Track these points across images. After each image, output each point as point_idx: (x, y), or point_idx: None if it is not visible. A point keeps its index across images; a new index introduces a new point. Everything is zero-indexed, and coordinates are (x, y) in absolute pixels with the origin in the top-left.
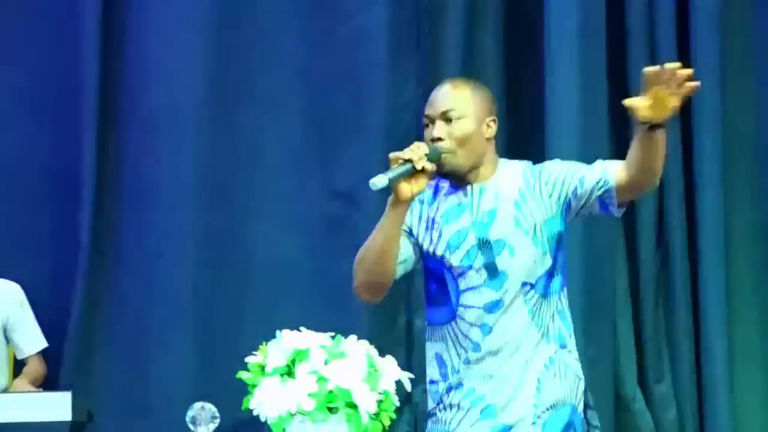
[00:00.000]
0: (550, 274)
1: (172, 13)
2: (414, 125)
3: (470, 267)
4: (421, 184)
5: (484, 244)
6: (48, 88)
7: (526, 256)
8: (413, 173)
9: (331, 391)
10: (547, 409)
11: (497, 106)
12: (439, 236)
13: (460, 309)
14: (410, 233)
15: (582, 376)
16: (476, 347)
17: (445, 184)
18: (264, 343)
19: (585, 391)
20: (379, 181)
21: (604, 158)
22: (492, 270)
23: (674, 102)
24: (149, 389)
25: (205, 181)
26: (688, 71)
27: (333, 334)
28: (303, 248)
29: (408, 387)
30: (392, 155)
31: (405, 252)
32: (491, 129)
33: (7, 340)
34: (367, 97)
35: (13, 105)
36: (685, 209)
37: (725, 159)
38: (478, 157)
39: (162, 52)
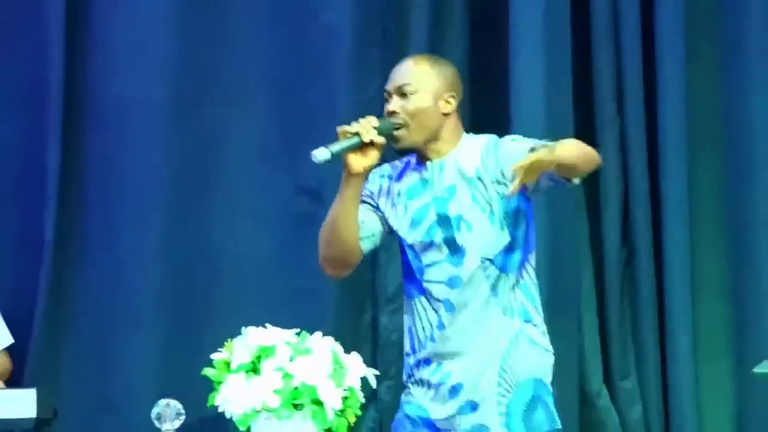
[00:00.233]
0: (508, 250)
1: (138, 8)
2: None
3: (432, 242)
4: (372, 157)
5: (444, 220)
6: (12, 82)
7: (483, 232)
8: (361, 146)
9: (296, 388)
10: (513, 387)
11: (461, 82)
12: (405, 212)
13: (425, 284)
14: (377, 208)
15: (550, 349)
16: (440, 323)
17: (413, 160)
18: (229, 339)
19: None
20: (320, 154)
21: None
22: (452, 245)
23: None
24: (114, 386)
25: (172, 176)
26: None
27: (298, 330)
28: (269, 244)
29: (373, 384)
30: (340, 129)
31: (371, 227)
32: (450, 105)
33: None
34: (333, 93)
35: None
36: (650, 205)
37: (690, 154)
38: (432, 132)
39: (128, 46)
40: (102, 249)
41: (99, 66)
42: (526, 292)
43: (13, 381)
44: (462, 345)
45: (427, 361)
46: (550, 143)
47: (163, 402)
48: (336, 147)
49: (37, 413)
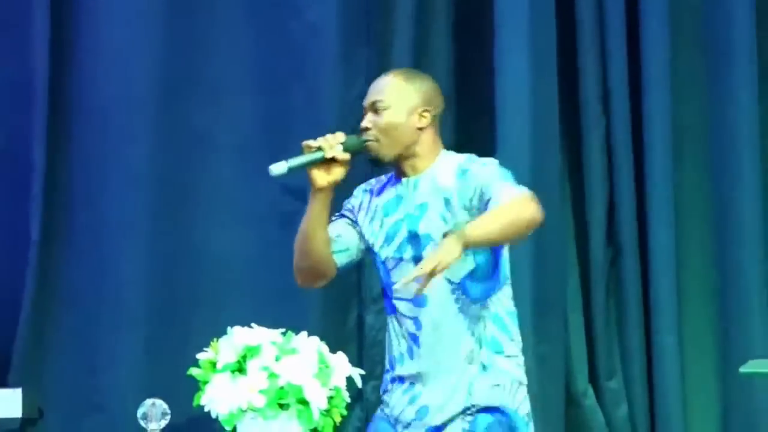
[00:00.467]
0: (474, 277)
1: (123, 8)
2: None
3: (401, 259)
4: (336, 173)
5: (414, 237)
6: None
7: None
8: (324, 162)
9: (282, 388)
10: (478, 412)
11: (441, 96)
12: (380, 227)
13: (395, 301)
14: (355, 222)
15: (524, 382)
16: (410, 344)
17: (394, 176)
18: (215, 339)
19: (527, 399)
20: (276, 168)
21: (554, 154)
22: (419, 263)
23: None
24: (100, 385)
25: (157, 176)
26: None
27: (284, 330)
28: (254, 244)
29: (359, 383)
30: (305, 143)
31: (347, 241)
32: (424, 119)
33: None
34: (318, 93)
35: None
36: (635, 205)
37: (675, 154)
38: (405, 148)
39: (113, 46)
40: (88, 248)
41: (84, 66)
42: (498, 323)
43: None
44: (431, 367)
45: (400, 380)
46: (466, 225)
47: (149, 402)
48: (295, 162)
49: (23, 413)
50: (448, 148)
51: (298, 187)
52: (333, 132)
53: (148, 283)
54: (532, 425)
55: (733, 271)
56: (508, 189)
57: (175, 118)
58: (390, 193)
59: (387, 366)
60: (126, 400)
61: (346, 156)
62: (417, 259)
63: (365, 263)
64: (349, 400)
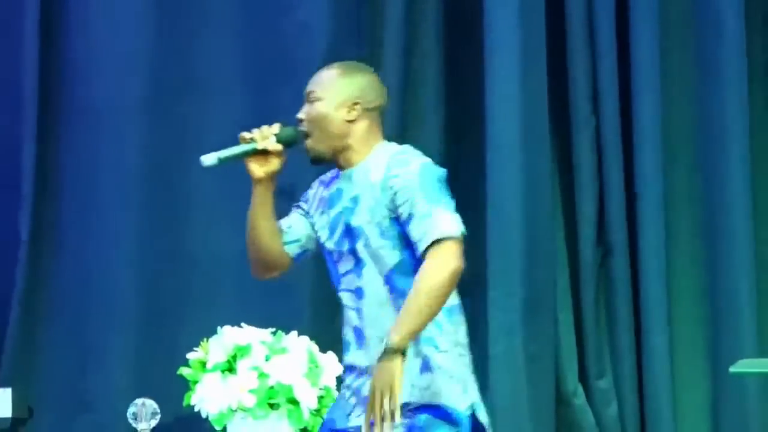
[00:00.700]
0: (401, 270)
1: (112, 8)
2: None
3: (341, 252)
4: (273, 164)
5: (349, 230)
6: None
7: (376, 247)
8: (260, 153)
9: (272, 387)
10: (411, 411)
11: (380, 91)
12: (327, 219)
13: (341, 292)
14: (307, 213)
15: (457, 376)
16: (356, 335)
17: None
18: (205, 339)
19: (467, 392)
20: (207, 159)
21: (544, 154)
22: (355, 256)
23: None
24: (90, 385)
25: (146, 175)
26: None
27: (274, 329)
28: (244, 244)
29: None
30: (241, 134)
31: (297, 232)
32: (353, 112)
33: None
34: None
35: None
36: (625, 204)
37: (665, 154)
38: (335, 141)
39: (103, 46)
40: (77, 248)
41: (74, 66)
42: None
43: None
44: (372, 360)
45: (350, 368)
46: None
47: (139, 401)
48: (226, 153)
49: (13, 412)
50: (439, 147)
51: (287, 187)
52: None
53: (138, 283)
54: (482, 415)
55: (723, 271)
56: (427, 226)
57: (165, 118)
58: (335, 185)
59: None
60: (116, 399)
61: (279, 147)
62: (352, 252)
63: None
64: None
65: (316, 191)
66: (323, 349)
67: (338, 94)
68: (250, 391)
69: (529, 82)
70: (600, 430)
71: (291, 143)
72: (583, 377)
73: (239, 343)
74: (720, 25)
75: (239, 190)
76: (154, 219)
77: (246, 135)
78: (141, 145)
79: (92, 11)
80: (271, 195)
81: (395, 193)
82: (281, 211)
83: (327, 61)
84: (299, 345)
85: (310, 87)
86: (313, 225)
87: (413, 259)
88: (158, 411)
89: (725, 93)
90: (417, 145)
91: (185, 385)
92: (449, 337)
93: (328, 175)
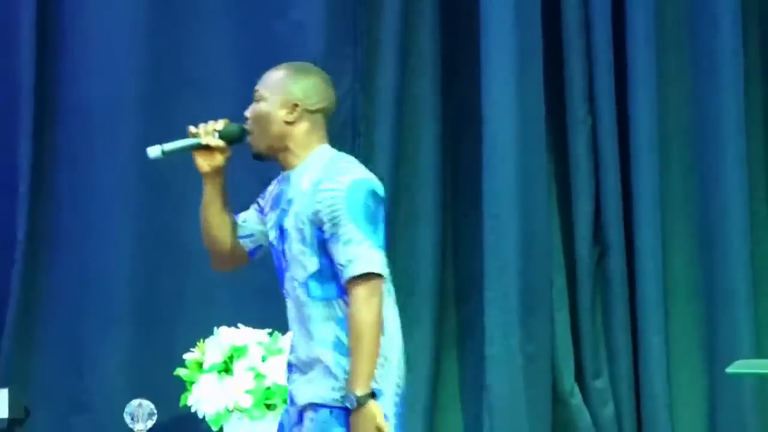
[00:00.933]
0: (319, 277)
1: (108, 8)
2: (350, 119)
3: (278, 251)
4: (216, 159)
5: (282, 232)
6: None
7: (297, 252)
8: (205, 148)
9: (268, 388)
10: (302, 410)
11: (326, 94)
12: (273, 218)
13: (282, 288)
14: (261, 210)
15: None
16: (292, 331)
17: None
18: (201, 339)
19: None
20: (152, 151)
21: (540, 154)
22: (286, 257)
23: None
24: (86, 385)
25: (142, 175)
26: None
27: (270, 330)
28: None
29: None
30: (189, 128)
31: (252, 226)
32: (293, 114)
33: None
34: None
35: None
36: (621, 204)
37: (661, 153)
38: (274, 141)
39: (99, 46)
40: (74, 248)
41: (70, 65)
42: (342, 326)
43: None
44: (298, 360)
45: (288, 367)
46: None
47: (135, 402)
48: (170, 146)
49: (9, 413)
50: (435, 147)
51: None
52: None
53: (134, 283)
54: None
55: (720, 271)
56: (354, 254)
57: (160, 118)
58: (280, 185)
59: None
60: (112, 399)
61: (220, 143)
62: (284, 253)
63: None
64: None
65: (272, 189)
66: None
67: (280, 94)
68: (247, 391)
69: (525, 82)
70: (597, 430)
71: (234, 140)
72: (580, 377)
73: (236, 344)
74: (716, 26)
75: (235, 189)
76: (150, 218)
77: (192, 129)
78: (137, 145)
79: (88, 11)
80: (219, 189)
81: (322, 206)
82: None
83: (322, 61)
84: None
85: (257, 85)
86: (266, 222)
87: (330, 268)
88: (155, 411)
89: (721, 93)
90: (413, 145)
91: (182, 386)
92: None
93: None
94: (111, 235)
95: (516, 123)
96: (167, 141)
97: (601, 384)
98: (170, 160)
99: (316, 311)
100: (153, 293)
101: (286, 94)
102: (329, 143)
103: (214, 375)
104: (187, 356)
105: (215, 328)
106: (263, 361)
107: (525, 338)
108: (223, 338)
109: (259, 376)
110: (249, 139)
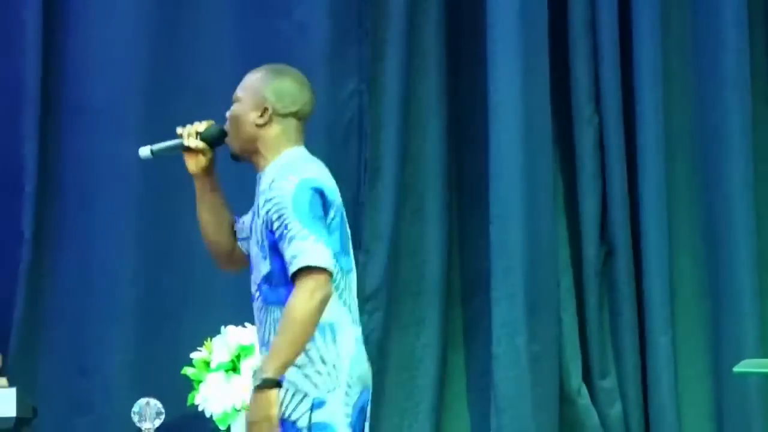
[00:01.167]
0: (270, 281)
1: (113, 9)
2: (356, 119)
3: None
4: (201, 160)
5: (251, 234)
6: None
7: (254, 254)
8: (187, 149)
9: None
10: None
11: (300, 98)
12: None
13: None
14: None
15: (310, 393)
16: None
17: None
18: (209, 338)
19: (312, 408)
20: (142, 151)
21: (546, 153)
22: (250, 259)
23: None
24: (93, 385)
25: (147, 174)
26: None
27: None
28: None
29: None
30: (177, 129)
31: (247, 229)
32: (263, 117)
33: None
34: None
35: None
36: (628, 204)
37: (667, 154)
38: (245, 143)
39: (103, 46)
40: (80, 247)
41: (75, 66)
42: None
43: None
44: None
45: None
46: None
47: (143, 401)
48: (158, 147)
49: (17, 412)
50: (441, 146)
51: None
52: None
53: (140, 282)
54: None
55: (726, 271)
56: (297, 250)
57: (165, 118)
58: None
59: None
60: (119, 399)
61: (200, 145)
62: (249, 255)
63: (357, 263)
64: None
65: None
66: None
67: (254, 96)
68: None
69: (531, 82)
70: (604, 430)
71: (214, 141)
72: (587, 377)
73: (243, 343)
74: (721, 26)
75: (239, 189)
76: (155, 218)
77: (179, 130)
78: (142, 145)
79: (93, 12)
80: (209, 189)
81: (270, 206)
82: None
83: (326, 61)
84: None
85: (237, 88)
86: None
87: (282, 272)
88: (162, 410)
89: (727, 93)
90: (419, 145)
91: (188, 385)
92: (304, 355)
93: None
94: (117, 235)
95: (522, 122)
96: (169, 141)
97: (608, 384)
98: (176, 159)
99: (269, 315)
100: (159, 292)
101: (258, 97)
102: (333, 145)
103: (221, 374)
104: (194, 355)
105: (222, 327)
106: None
107: (531, 338)
108: (231, 337)
109: None
110: (227, 140)
